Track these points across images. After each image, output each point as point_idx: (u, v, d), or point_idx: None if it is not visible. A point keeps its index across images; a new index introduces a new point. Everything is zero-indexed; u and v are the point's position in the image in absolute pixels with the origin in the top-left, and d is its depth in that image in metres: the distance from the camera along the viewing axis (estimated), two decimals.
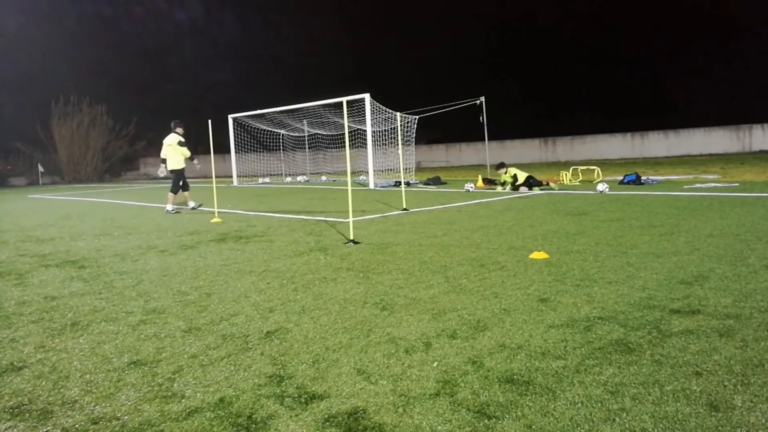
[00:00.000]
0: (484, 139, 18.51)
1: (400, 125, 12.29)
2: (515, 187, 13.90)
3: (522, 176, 14.04)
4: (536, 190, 13.42)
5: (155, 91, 46.26)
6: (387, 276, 4.97)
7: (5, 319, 4.10)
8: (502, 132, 31.29)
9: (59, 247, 7.56)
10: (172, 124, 12.38)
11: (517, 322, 3.53)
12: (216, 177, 12.57)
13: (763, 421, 2.21)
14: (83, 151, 36.79)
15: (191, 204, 12.55)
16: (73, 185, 31.49)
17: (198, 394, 2.71)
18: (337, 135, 23.99)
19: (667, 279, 4.40)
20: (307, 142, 27.36)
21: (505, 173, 14.36)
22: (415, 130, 19.79)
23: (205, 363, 3.09)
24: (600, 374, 2.70)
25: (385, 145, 20.26)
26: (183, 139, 12.23)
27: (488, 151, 21.47)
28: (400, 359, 3.02)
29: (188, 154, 12.29)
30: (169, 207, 11.92)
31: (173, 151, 12.16)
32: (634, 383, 2.58)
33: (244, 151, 25.78)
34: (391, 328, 3.53)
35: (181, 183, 12.38)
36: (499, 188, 14.44)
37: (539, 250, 5.61)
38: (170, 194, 12.16)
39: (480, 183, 16.00)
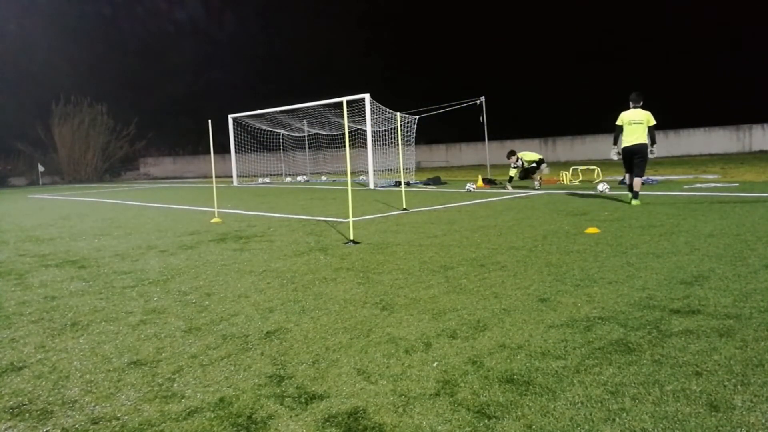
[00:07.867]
0: (484, 139, 18.51)
1: (400, 125, 12.29)
2: (526, 173, 13.46)
3: (531, 157, 13.52)
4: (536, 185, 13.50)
5: (155, 91, 46.25)
6: (387, 276, 4.97)
7: (5, 319, 4.10)
8: (502, 132, 31.26)
9: (59, 247, 7.56)
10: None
11: (517, 322, 3.53)
12: (216, 177, 12.57)
13: (763, 421, 2.21)
14: (83, 151, 36.84)
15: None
16: (73, 185, 31.48)
17: (198, 394, 2.71)
18: (337, 135, 23.98)
19: (667, 279, 4.40)
20: (307, 142, 27.36)
21: (517, 161, 13.68)
22: (415, 130, 19.78)
23: (205, 363, 3.10)
24: (600, 374, 2.70)
25: (385, 145, 20.26)
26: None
27: (488, 151, 21.46)
28: (400, 359, 3.02)
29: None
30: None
31: None
32: (634, 383, 2.58)
33: (244, 151, 25.77)
34: (391, 328, 3.53)
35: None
36: (509, 187, 13.84)
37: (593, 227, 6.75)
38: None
39: (480, 183, 15.99)
